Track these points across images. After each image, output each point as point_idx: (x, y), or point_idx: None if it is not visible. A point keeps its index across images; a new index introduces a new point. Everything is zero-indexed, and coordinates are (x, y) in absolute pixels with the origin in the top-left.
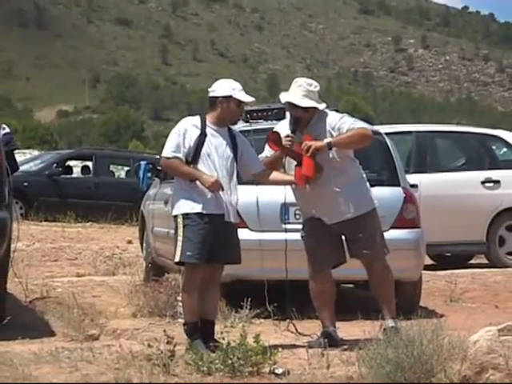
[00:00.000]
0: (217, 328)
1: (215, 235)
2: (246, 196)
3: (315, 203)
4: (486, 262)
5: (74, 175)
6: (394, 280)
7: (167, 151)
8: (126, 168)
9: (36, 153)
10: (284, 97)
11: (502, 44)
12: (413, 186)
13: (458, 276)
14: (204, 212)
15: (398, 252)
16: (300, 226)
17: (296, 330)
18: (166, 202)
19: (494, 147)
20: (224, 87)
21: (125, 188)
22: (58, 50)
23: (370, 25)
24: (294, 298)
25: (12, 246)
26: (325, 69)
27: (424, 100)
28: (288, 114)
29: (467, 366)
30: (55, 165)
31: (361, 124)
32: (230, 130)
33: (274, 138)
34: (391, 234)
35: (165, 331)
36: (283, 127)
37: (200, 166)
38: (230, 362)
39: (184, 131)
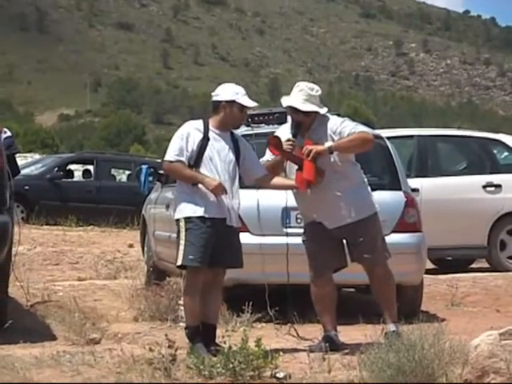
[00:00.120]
0: (218, 332)
1: (217, 239)
2: (247, 200)
3: (316, 207)
4: (487, 266)
5: (75, 179)
6: (395, 284)
7: (170, 155)
8: (128, 172)
9: (37, 156)
10: (285, 101)
11: (503, 48)
12: (414, 190)
13: (460, 280)
14: (206, 216)
15: (400, 256)
16: (301, 230)
17: (297, 334)
18: (167, 206)
19: (495, 151)
20: (227, 91)
21: (126, 192)
22: (60, 54)
23: (371, 29)
24: (295, 302)
25: (13, 249)
26: (326, 73)
27: (425, 104)
28: (289, 118)
29: (468, 370)
30: (56, 168)
31: (362, 128)
32: (232, 134)
33: (274, 142)
34: (392, 238)
35: (166, 335)
36: (284, 131)
37: (202, 169)
38: (231, 366)
39: (187, 135)
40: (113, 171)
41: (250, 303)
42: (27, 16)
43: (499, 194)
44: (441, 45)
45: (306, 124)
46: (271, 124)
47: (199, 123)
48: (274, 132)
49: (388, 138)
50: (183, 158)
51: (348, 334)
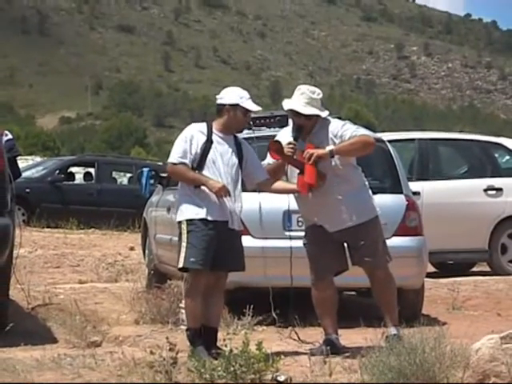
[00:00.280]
0: (219, 335)
1: (219, 242)
2: (248, 203)
3: (317, 211)
4: (488, 269)
5: (76, 182)
6: (396, 288)
7: (174, 157)
8: (129, 174)
9: (38, 159)
10: (287, 104)
11: (504, 52)
12: (415, 193)
13: (461, 284)
14: (208, 218)
15: (401, 260)
16: (302, 234)
17: (298, 337)
18: (168, 209)
19: (496, 155)
20: (231, 95)
21: (127, 195)
22: (61, 57)
23: (372, 32)
24: (296, 306)
25: (14, 252)
26: (327, 76)
27: (426, 107)
28: (291, 122)
29: (469, 373)
30: (57, 171)
31: (363, 131)
32: (235, 137)
33: (275, 147)
34: (393, 242)
35: (167, 338)
36: (286, 134)
37: (205, 172)
38: (232, 369)
39: (191, 137)
40: (114, 174)
41: (251, 306)
42: (28, 19)
43: (500, 198)
44: (442, 48)
45: (308, 127)
46: (272, 127)
47: (203, 126)
48: (275, 135)
49: (389, 141)
50: (187, 161)
51: (349, 337)
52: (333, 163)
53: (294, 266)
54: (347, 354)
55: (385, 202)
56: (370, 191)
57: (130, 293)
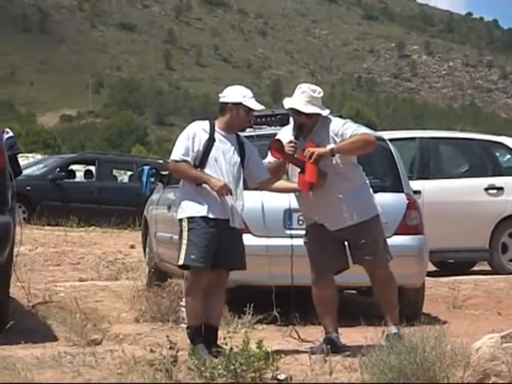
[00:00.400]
0: (220, 333)
1: (220, 240)
2: (249, 201)
3: (318, 209)
4: (489, 268)
5: (76, 179)
6: (396, 286)
7: (176, 154)
8: (129, 172)
9: (39, 157)
10: (288, 103)
11: (505, 50)
12: (416, 192)
13: (461, 283)
14: (209, 216)
15: (401, 258)
16: (303, 232)
17: (298, 335)
18: (169, 207)
19: (497, 154)
20: (234, 94)
21: (128, 193)
22: (62, 55)
23: (373, 31)
24: (296, 304)
25: (15, 250)
26: (328, 74)
27: (427, 106)
28: (291, 120)
29: (470, 372)
30: (58, 169)
31: (364, 130)
32: (238, 136)
33: (276, 146)
34: (394, 241)
35: (167, 336)
36: (286, 133)
37: (207, 170)
38: (232, 367)
39: (193, 135)
40: (114, 172)
41: (252, 305)
42: (29, 17)
43: (501, 197)
44: (443, 47)
45: (308, 126)
46: (273, 125)
47: (205, 124)
48: (276, 134)
49: (390, 139)
50: (189, 158)
51: (349, 336)
52: (334, 162)
53: (294, 265)
54: (347, 353)
55: (385, 200)
56: (371, 190)
57: (131, 291)
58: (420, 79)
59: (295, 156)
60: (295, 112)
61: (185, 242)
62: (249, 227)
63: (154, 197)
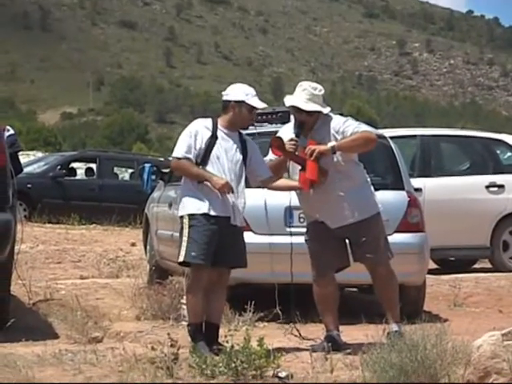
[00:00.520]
0: (220, 331)
1: (221, 238)
2: (250, 199)
3: (319, 207)
4: (490, 266)
5: (77, 177)
6: (397, 284)
7: (178, 151)
8: (130, 170)
9: (40, 155)
10: (288, 100)
11: (506, 48)
12: (417, 189)
13: (462, 280)
14: (210, 213)
15: (402, 256)
16: (304, 230)
17: (299, 333)
18: (170, 205)
19: (498, 151)
20: (237, 92)
21: (129, 190)
22: (63, 53)
23: (374, 28)
24: (297, 302)
25: (16, 247)
26: (329, 72)
27: (428, 104)
28: (292, 118)
29: (471, 370)
30: (59, 167)
31: (365, 127)
32: (240, 134)
33: (277, 143)
34: (395, 238)
35: (168, 334)
36: (287, 131)
37: (209, 167)
38: (233, 365)
39: (195, 133)
40: (115, 170)
41: (253, 302)
42: (30, 14)
43: (502, 195)
44: (444, 45)
45: (309, 123)
46: (274, 123)
47: (208, 121)
48: (277, 131)
49: (391, 137)
50: (191, 156)
51: (350, 333)
52: (335, 159)
53: (295, 263)
54: (348, 351)
55: (386, 198)
56: (372, 187)
57: (132, 289)
58: (421, 77)
59: (296, 153)
60: (296, 110)
61: (185, 238)
62: (250, 225)
63: (155, 194)
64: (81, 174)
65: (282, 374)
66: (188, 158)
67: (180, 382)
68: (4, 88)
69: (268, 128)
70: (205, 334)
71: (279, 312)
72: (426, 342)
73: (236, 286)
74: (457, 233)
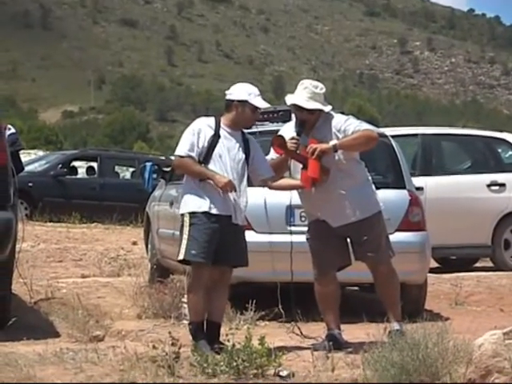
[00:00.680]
0: (222, 330)
1: (222, 236)
2: (251, 198)
3: (320, 206)
4: (491, 265)
5: (78, 176)
6: (399, 283)
7: (181, 150)
8: (131, 169)
9: (41, 153)
10: (290, 99)
11: (507, 47)
12: (418, 188)
13: (463, 279)
14: (211, 212)
15: (404, 255)
16: (305, 229)
17: (301, 332)
18: (171, 204)
19: (499, 150)
20: (240, 91)
21: (130, 189)
22: (64, 51)
23: (375, 27)
24: (299, 301)
25: (17, 246)
26: (330, 71)
27: (429, 102)
28: (294, 116)
29: (472, 369)
30: (60, 165)
31: (366, 126)
32: (243, 133)
33: (278, 142)
34: (396, 237)
35: (170, 333)
36: (289, 129)
37: (211, 166)
38: (234, 364)
39: (198, 131)
40: (117, 168)
41: (254, 301)
42: (31, 13)
43: (503, 193)
44: (445, 43)
45: (311, 122)
46: (275, 122)
47: (211, 120)
48: (278, 130)
49: (392, 136)
50: (193, 154)
51: (352, 332)
52: (336, 158)
53: (296, 261)
54: (350, 350)
55: (388, 197)
56: (373, 186)
57: (133, 287)
58: (422, 75)
59: (298, 152)
60: (297, 108)
61: (185, 236)
62: (251, 224)
63: (156, 193)
64: (82, 172)
65: (284, 373)
66: (191, 156)
67: (181, 380)
68: (5, 86)
69: (269, 127)
70: (206, 332)
71: (281, 311)
72: (428, 341)
73: (237, 284)
74: (458, 231)
